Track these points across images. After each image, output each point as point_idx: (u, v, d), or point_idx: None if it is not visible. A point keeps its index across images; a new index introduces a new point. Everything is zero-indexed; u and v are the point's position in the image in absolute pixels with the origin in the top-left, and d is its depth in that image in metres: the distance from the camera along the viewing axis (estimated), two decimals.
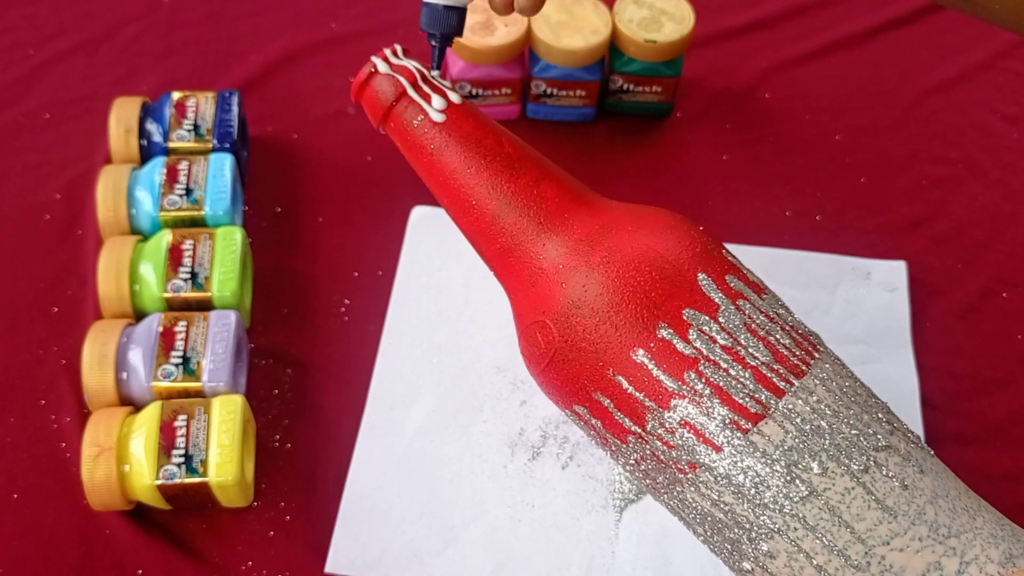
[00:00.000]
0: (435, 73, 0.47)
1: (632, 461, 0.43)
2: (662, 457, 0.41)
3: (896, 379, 0.63)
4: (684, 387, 0.40)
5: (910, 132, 0.77)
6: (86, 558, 0.56)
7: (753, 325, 0.41)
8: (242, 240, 0.64)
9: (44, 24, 0.80)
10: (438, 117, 0.44)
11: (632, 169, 0.74)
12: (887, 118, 0.78)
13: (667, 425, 0.40)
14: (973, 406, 0.63)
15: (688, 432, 0.40)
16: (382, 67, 0.45)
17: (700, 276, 0.41)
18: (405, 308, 0.66)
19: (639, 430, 0.41)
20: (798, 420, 0.40)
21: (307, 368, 0.64)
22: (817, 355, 0.42)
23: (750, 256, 0.68)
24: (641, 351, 0.40)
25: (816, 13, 0.84)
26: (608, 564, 0.56)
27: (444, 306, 0.66)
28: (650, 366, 0.40)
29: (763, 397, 0.40)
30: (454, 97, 0.45)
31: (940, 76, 0.80)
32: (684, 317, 0.40)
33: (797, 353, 0.41)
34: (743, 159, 0.75)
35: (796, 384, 0.40)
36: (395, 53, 0.47)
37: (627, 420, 0.41)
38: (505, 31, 0.70)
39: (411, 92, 0.45)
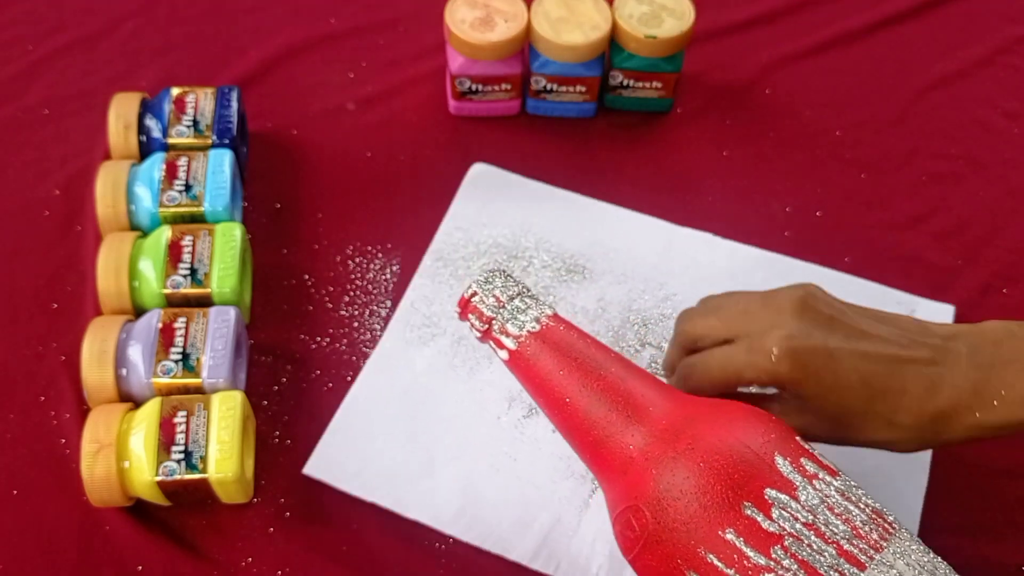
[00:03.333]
0: (528, 289, 0.51)
1: None
2: None
3: None
4: (771, 562, 0.42)
5: (910, 128, 0.77)
6: (86, 554, 0.56)
7: (831, 502, 0.44)
8: (242, 236, 0.64)
9: (43, 19, 0.80)
10: (533, 327, 0.49)
11: (632, 165, 0.74)
12: (887, 114, 0.78)
13: None
14: None
15: None
16: (479, 289, 0.50)
17: (777, 458, 0.44)
18: (443, 252, 0.67)
19: None
20: None
21: (307, 364, 0.64)
22: (893, 531, 0.44)
23: (795, 270, 0.67)
24: (730, 530, 0.43)
25: (816, 8, 0.83)
26: (572, 530, 0.58)
27: (480, 259, 0.67)
28: (739, 543, 0.43)
29: (846, 570, 0.42)
30: (547, 310, 0.50)
31: (940, 72, 0.80)
32: (766, 497, 0.43)
33: (874, 529, 0.44)
34: (743, 155, 0.75)
35: (876, 558, 0.43)
36: (491, 278, 0.51)
37: None
38: (505, 27, 0.70)
39: (508, 307, 0.49)
